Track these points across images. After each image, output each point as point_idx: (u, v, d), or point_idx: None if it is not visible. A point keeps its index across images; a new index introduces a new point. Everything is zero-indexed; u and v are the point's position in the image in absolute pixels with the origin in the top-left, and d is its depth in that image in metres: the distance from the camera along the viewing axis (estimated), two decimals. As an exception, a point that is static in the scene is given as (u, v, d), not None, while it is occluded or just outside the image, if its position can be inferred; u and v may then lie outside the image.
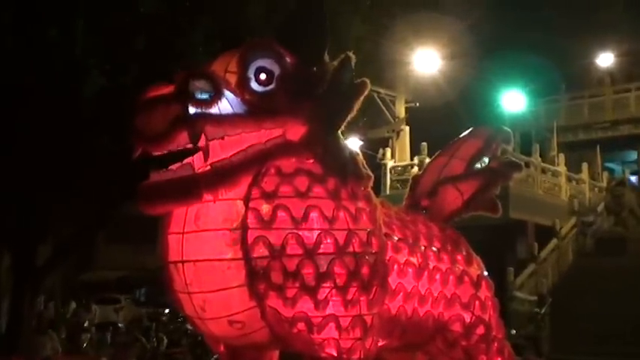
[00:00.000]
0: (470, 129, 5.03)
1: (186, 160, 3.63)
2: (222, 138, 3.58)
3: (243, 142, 3.62)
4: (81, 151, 11.19)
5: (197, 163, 3.68)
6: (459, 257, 4.54)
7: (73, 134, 10.94)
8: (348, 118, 3.87)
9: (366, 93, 3.89)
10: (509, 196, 17.24)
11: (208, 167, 3.59)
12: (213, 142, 3.63)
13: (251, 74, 3.62)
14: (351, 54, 3.86)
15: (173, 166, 3.59)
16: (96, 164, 11.22)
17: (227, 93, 3.53)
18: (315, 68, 3.80)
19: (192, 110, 3.40)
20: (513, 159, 5.15)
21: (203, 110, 3.43)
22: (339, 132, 3.88)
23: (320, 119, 3.72)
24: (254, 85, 3.63)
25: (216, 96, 3.46)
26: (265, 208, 3.57)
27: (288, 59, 3.69)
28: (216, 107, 3.47)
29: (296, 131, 3.70)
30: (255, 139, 3.64)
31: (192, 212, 3.62)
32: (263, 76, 3.63)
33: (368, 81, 3.90)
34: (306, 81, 3.72)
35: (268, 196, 3.60)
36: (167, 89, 3.54)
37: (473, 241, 4.78)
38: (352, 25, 12.56)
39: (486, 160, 4.93)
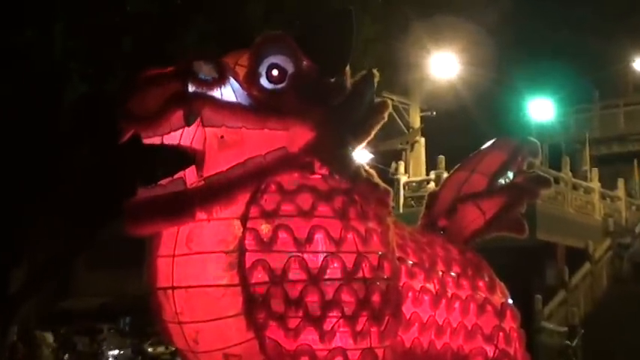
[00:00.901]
0: (492, 140, 5.05)
1: (177, 175, 3.70)
2: (222, 137, 3.65)
3: (240, 154, 3.67)
4: (59, 165, 11.24)
5: (189, 177, 3.77)
6: (480, 283, 4.54)
7: (50, 147, 10.99)
8: (364, 140, 3.99)
9: (385, 116, 4.02)
10: (536, 215, 17.21)
11: (202, 182, 3.65)
12: (208, 153, 3.71)
13: (262, 69, 3.73)
14: (375, 71, 3.99)
15: (163, 181, 3.65)
16: (75, 180, 11.25)
17: (233, 82, 3.64)
18: (333, 79, 3.90)
19: (191, 89, 3.47)
20: (541, 174, 5.16)
21: (203, 90, 3.50)
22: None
23: (331, 130, 3.80)
24: (264, 82, 3.73)
25: (220, 79, 3.55)
26: (265, 228, 3.60)
27: (304, 61, 3.80)
28: (219, 92, 3.55)
29: (301, 136, 3.76)
30: (254, 150, 3.69)
31: (184, 233, 3.66)
32: (275, 73, 3.73)
33: (389, 102, 4.03)
34: (322, 87, 3.83)
35: (268, 215, 3.63)
36: (164, 70, 3.61)
37: (496, 265, 4.77)
38: (361, 25, 12.62)
39: (511, 175, 4.94)
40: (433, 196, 5.03)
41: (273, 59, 3.74)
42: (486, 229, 4.78)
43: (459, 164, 5.07)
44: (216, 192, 3.56)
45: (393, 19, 14.27)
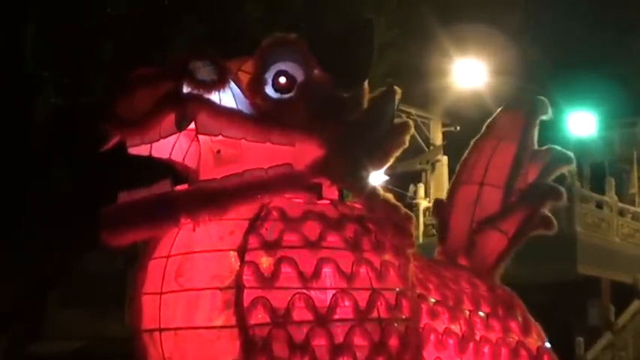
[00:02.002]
0: (493, 118, 5.12)
1: (164, 180, 3.67)
2: (218, 151, 3.68)
3: (241, 160, 3.73)
4: (29, 189, 11.25)
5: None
6: (513, 325, 4.54)
7: (19, 167, 11.00)
8: (381, 165, 4.03)
9: (407, 139, 4.06)
10: (576, 245, 17.12)
11: (192, 187, 3.71)
12: (203, 170, 3.74)
13: (269, 76, 3.77)
14: (396, 88, 4.04)
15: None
16: (47, 206, 11.25)
17: (234, 87, 3.67)
18: (348, 93, 3.93)
19: (186, 90, 3.51)
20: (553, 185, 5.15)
21: (200, 92, 3.53)
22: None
23: (343, 149, 3.82)
24: (269, 90, 3.77)
25: (219, 82, 3.58)
26: (266, 261, 3.60)
27: (316, 70, 3.84)
28: (217, 96, 3.58)
29: (309, 154, 3.80)
30: (254, 162, 3.72)
31: (173, 267, 3.69)
32: (283, 80, 3.78)
33: (411, 124, 4.08)
34: (335, 101, 3.86)
35: (269, 247, 3.64)
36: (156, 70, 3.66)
37: (531, 303, 4.78)
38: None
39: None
40: (443, 225, 5.04)
41: (281, 65, 3.77)
42: (512, 248, 4.89)
43: (460, 166, 5.13)
44: (206, 197, 3.58)
45: (410, 22, 14.31)
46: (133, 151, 3.67)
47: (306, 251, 3.66)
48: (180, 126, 3.52)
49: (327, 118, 3.81)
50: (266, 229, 3.67)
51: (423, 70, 17.23)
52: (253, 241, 3.65)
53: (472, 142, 5.15)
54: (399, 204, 3.99)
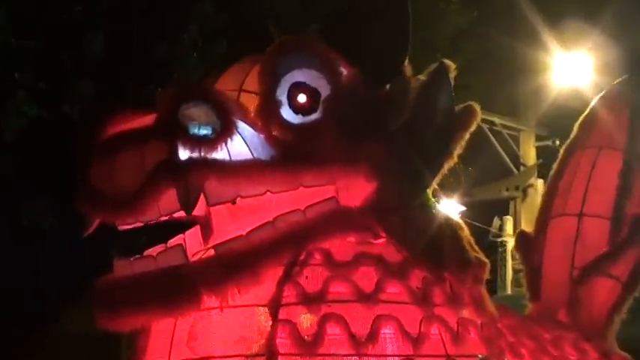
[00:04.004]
0: (584, 119, 5.04)
1: (173, 241, 3.67)
2: (234, 202, 3.62)
3: (267, 206, 3.69)
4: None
5: (191, 244, 3.73)
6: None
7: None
8: (444, 167, 3.92)
9: (474, 127, 3.97)
10: None
11: (210, 252, 3.65)
12: (216, 220, 3.69)
13: (282, 95, 3.71)
14: (447, 62, 3.93)
15: (151, 250, 3.62)
16: (21, 250, 11.31)
17: (242, 126, 3.61)
18: (387, 86, 3.86)
19: (183, 154, 3.45)
20: None
21: (202, 155, 3.49)
22: (429, 191, 3.93)
23: (396, 172, 3.80)
24: (286, 113, 3.71)
25: (223, 131, 3.53)
26: (306, 320, 3.60)
27: (343, 70, 3.78)
28: (224, 150, 3.53)
29: (355, 190, 3.77)
30: (288, 203, 3.70)
31: (184, 327, 3.70)
32: (302, 98, 3.73)
33: (477, 107, 3.97)
34: (374, 109, 3.81)
35: (311, 300, 3.64)
36: (141, 119, 3.57)
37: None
38: (444, 14, 12.63)
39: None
40: (534, 271, 4.98)
41: (297, 76, 3.73)
42: (628, 297, 4.84)
43: (548, 188, 5.09)
44: (232, 264, 3.55)
45: (489, 4, 14.23)
46: (125, 228, 3.66)
47: (359, 306, 3.64)
48: (188, 208, 3.49)
49: (368, 135, 3.76)
50: (306, 277, 3.67)
51: (510, 67, 16.98)
52: (290, 293, 3.64)
53: (561, 152, 5.06)
54: (472, 243, 3.98)
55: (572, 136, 5.04)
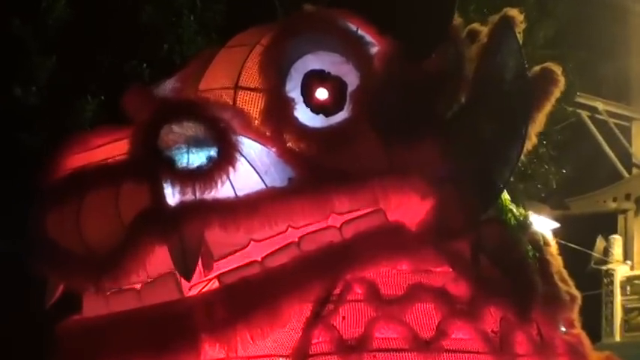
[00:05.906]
0: None
1: (165, 274, 3.19)
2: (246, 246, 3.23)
3: (285, 239, 3.31)
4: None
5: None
6: None
7: None
8: (519, 159, 3.45)
9: (554, 97, 3.48)
10: None
11: (215, 285, 3.31)
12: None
13: (294, 90, 3.36)
14: (512, 12, 3.44)
15: (134, 282, 3.18)
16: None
17: (246, 143, 3.23)
18: (434, 57, 3.41)
19: (172, 197, 3.04)
20: None
21: (197, 196, 3.07)
22: (505, 195, 3.51)
23: (458, 180, 3.42)
24: (302, 115, 3.36)
25: (223, 158, 3.09)
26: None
27: (373, 46, 3.38)
28: (225, 182, 3.12)
29: (407, 211, 3.39)
30: (317, 216, 3.31)
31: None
32: (322, 94, 3.34)
33: (558, 69, 3.52)
34: (421, 93, 3.40)
35: (350, 350, 3.27)
36: (110, 146, 3.19)
37: None
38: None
39: None
40: None
41: (311, 63, 3.34)
42: None
43: None
44: (243, 303, 3.19)
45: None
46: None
47: (415, 356, 3.28)
48: (186, 273, 3.07)
49: (417, 134, 3.34)
50: (343, 317, 3.31)
51: (617, 38, 16.22)
52: (321, 340, 3.28)
53: None
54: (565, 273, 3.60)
55: None
